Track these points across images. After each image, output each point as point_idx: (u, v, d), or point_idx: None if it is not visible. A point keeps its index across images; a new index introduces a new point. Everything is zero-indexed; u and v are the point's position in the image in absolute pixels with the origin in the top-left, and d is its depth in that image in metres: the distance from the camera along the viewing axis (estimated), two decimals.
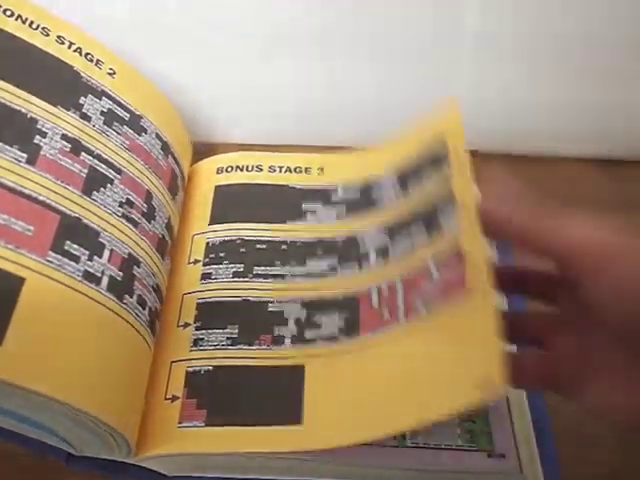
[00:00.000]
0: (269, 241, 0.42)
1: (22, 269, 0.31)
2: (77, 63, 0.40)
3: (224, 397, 0.36)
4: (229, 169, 0.47)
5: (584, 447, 0.40)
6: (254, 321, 0.39)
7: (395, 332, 0.35)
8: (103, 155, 0.39)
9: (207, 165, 0.49)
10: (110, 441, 0.33)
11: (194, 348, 0.39)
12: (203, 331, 0.39)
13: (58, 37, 0.40)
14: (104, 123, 0.40)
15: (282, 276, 0.41)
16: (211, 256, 0.42)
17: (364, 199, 0.44)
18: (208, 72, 0.54)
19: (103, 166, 0.38)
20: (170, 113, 0.47)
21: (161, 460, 0.36)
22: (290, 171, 0.46)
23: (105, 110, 0.41)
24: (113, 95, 0.42)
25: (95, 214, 0.36)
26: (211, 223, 0.44)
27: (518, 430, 0.39)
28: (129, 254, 0.37)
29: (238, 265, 0.41)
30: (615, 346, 0.26)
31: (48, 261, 0.33)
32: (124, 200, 0.38)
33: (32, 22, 0.39)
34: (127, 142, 0.41)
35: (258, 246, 0.42)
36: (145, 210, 0.40)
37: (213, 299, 0.40)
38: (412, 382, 0.32)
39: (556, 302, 0.29)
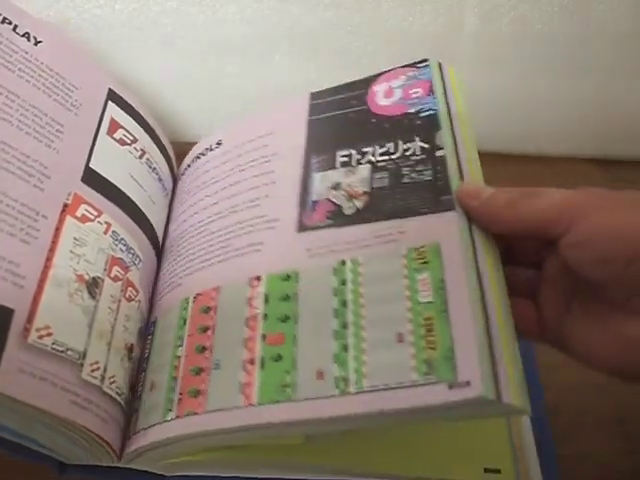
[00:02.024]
0: None
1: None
2: None
3: None
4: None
5: (584, 447, 0.40)
6: None
7: None
8: None
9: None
10: (88, 447, 0.33)
11: None
12: None
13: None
14: None
15: None
16: None
17: None
18: (206, 72, 0.54)
19: None
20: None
21: (148, 458, 0.36)
22: None
23: None
24: None
25: None
26: None
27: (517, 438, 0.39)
28: None
29: None
30: (592, 296, 0.29)
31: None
32: None
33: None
34: None
35: None
36: None
37: None
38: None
39: (539, 267, 0.32)
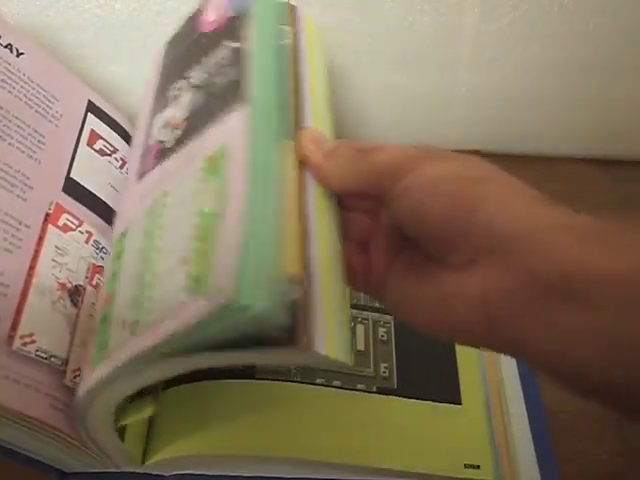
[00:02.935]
0: None
1: None
2: None
3: None
4: None
5: (584, 447, 0.40)
6: None
7: None
8: None
9: None
10: (73, 454, 0.34)
11: None
12: None
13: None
14: None
15: None
16: None
17: None
18: None
19: None
20: None
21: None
22: None
23: None
24: None
25: None
26: None
27: (515, 431, 0.40)
28: None
29: None
30: (414, 251, 0.28)
31: None
32: None
33: None
34: None
35: None
36: None
37: None
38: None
39: (371, 215, 0.31)
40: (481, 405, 0.41)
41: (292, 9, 0.37)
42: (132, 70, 0.53)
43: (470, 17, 0.50)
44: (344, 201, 0.31)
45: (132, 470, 0.37)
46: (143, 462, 0.36)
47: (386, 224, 0.30)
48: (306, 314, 0.25)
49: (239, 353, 0.25)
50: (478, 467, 0.37)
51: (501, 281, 0.23)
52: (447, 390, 0.41)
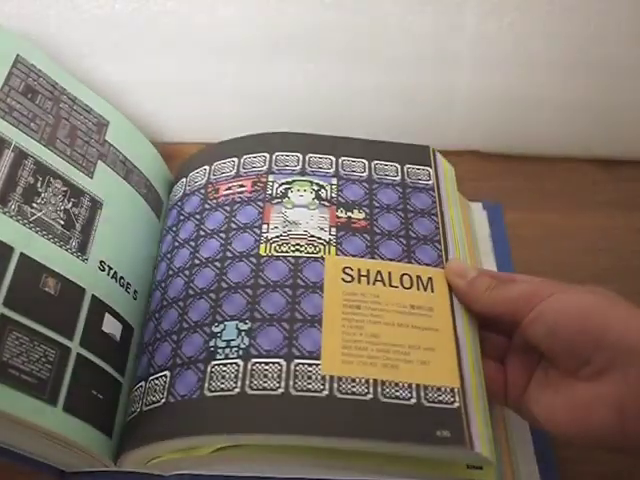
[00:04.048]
0: None
1: None
2: None
3: None
4: None
5: (583, 448, 0.40)
6: None
7: None
8: None
9: None
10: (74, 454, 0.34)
11: None
12: None
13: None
14: None
15: None
16: None
17: None
18: (206, 72, 0.54)
19: None
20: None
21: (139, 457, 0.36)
22: None
23: None
24: None
25: None
26: None
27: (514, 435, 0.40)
28: None
29: None
30: (549, 366, 0.34)
31: None
32: None
33: None
34: None
35: None
36: None
37: None
38: None
39: (509, 336, 0.38)
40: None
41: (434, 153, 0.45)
42: (132, 70, 0.53)
43: (470, 17, 0.50)
44: (481, 322, 0.38)
45: (132, 470, 0.37)
46: (143, 462, 0.36)
47: (521, 343, 0.36)
48: (467, 419, 0.33)
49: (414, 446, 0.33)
50: (480, 468, 0.37)
51: (635, 386, 0.29)
52: None
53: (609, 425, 0.30)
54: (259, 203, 0.41)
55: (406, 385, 0.33)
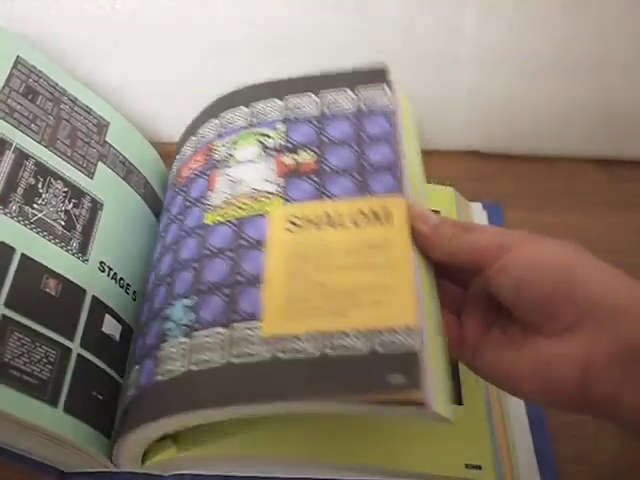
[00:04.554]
0: None
1: None
2: None
3: None
4: None
5: (584, 447, 0.40)
6: None
7: None
8: None
9: None
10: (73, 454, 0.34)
11: None
12: None
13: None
14: None
15: None
16: None
17: None
18: (206, 72, 0.54)
19: None
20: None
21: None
22: None
23: None
24: None
25: None
26: None
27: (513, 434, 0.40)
28: None
29: None
30: (510, 320, 0.31)
31: None
32: None
33: None
34: None
35: None
36: None
37: None
38: None
39: (465, 287, 0.35)
40: (482, 405, 0.41)
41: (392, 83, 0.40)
42: (132, 70, 0.53)
43: (470, 17, 0.50)
44: (438, 271, 0.34)
45: (132, 470, 0.37)
46: (143, 462, 0.36)
47: (480, 295, 0.33)
48: (423, 370, 0.28)
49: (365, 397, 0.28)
50: (479, 467, 0.37)
51: (603, 346, 0.27)
52: None
53: (571, 385, 0.28)
54: (207, 172, 0.39)
55: (357, 333, 0.29)
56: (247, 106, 0.40)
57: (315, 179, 0.36)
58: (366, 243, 0.32)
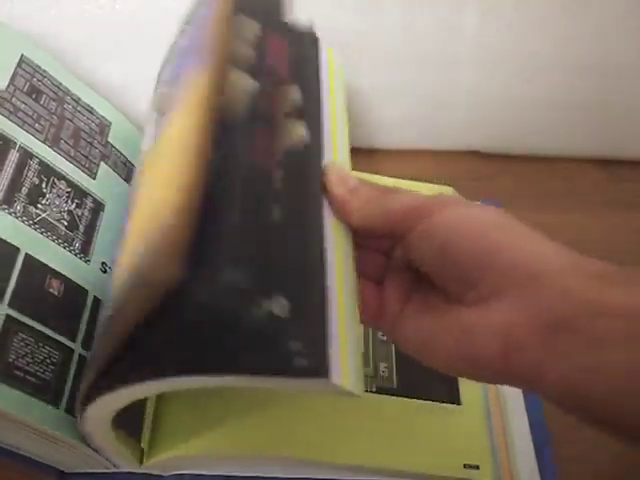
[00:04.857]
0: None
1: None
2: None
3: None
4: None
5: (584, 447, 0.40)
6: None
7: None
8: None
9: None
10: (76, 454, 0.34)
11: None
12: None
13: None
14: None
15: None
16: None
17: None
18: None
19: None
20: None
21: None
22: None
23: None
24: None
25: None
26: None
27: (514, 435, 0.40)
28: None
29: None
30: (431, 289, 0.30)
31: None
32: None
33: None
34: None
35: None
36: None
37: None
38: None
39: (388, 255, 0.33)
40: (480, 405, 0.41)
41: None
42: (132, 70, 0.53)
43: (470, 17, 0.50)
44: (358, 238, 0.32)
45: (131, 470, 0.37)
46: (142, 462, 0.36)
47: (401, 263, 0.32)
48: (325, 344, 0.26)
49: (259, 379, 0.26)
50: (477, 467, 0.37)
51: (523, 314, 0.25)
52: (447, 390, 0.41)
53: (493, 356, 0.26)
54: None
55: None
56: None
57: None
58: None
